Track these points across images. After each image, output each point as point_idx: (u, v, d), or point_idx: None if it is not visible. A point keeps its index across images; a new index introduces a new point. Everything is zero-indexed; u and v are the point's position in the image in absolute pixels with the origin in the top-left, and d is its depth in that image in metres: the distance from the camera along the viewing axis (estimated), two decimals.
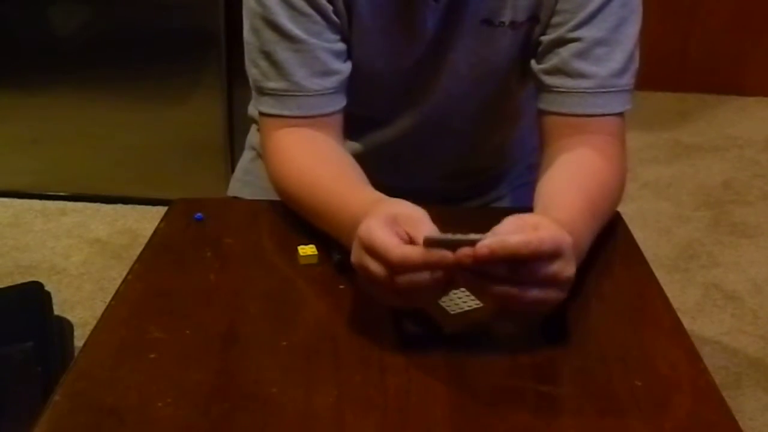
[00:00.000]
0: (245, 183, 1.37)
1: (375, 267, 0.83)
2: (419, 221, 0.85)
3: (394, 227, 0.83)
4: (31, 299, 1.76)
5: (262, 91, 1.11)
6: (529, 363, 0.87)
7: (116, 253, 2.38)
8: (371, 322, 0.91)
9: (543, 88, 1.12)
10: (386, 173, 1.08)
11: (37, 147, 2.62)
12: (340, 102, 1.12)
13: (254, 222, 1.12)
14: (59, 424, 0.78)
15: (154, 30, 2.46)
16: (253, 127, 1.39)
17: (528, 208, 0.96)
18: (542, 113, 1.13)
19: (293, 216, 1.07)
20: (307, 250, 1.00)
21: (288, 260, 1.01)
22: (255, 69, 1.11)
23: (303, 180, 1.06)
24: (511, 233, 0.80)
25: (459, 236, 0.79)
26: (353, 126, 1.16)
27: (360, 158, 1.11)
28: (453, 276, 0.81)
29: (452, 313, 0.91)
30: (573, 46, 1.08)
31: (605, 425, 0.79)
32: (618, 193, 1.08)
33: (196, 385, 0.82)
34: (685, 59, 3.51)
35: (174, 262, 1.02)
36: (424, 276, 0.81)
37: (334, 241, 0.99)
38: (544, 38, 1.11)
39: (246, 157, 1.40)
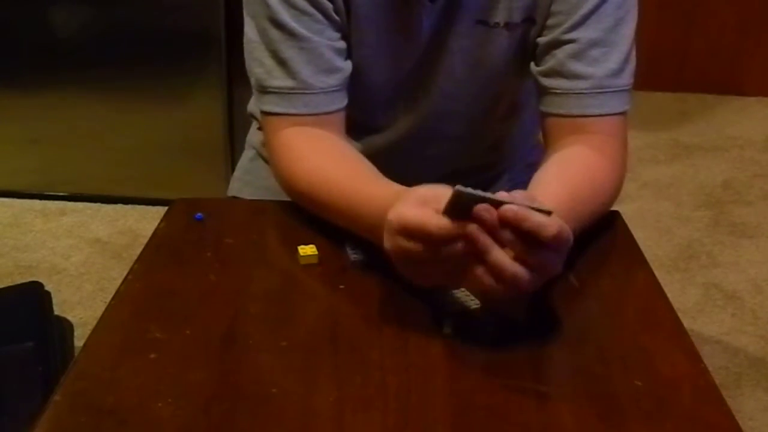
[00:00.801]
0: (245, 183, 1.37)
1: (413, 245, 0.82)
2: (446, 196, 0.84)
3: (424, 207, 0.84)
4: (31, 299, 1.76)
5: (267, 90, 1.11)
6: (529, 363, 0.87)
7: (116, 253, 2.38)
8: (371, 322, 0.91)
9: (542, 91, 1.12)
10: (384, 174, 1.09)
11: (37, 147, 2.62)
12: (342, 100, 1.12)
13: (254, 222, 1.12)
14: (59, 424, 0.78)
15: (154, 30, 2.46)
16: (253, 126, 1.39)
17: None
18: (543, 115, 1.13)
19: (293, 216, 1.07)
20: (307, 250, 1.00)
21: (288, 260, 1.01)
22: (259, 68, 1.10)
23: (317, 179, 1.06)
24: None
25: (488, 194, 0.81)
26: (351, 129, 1.16)
27: None
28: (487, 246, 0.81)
29: (473, 307, 0.91)
30: (569, 48, 1.09)
31: (605, 425, 0.79)
32: (612, 191, 1.09)
33: (196, 385, 0.82)
34: (685, 59, 3.51)
35: (174, 262, 1.02)
36: (460, 246, 0.81)
37: (350, 241, 0.99)
38: (541, 40, 1.12)
39: (246, 156, 1.40)
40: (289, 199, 1.11)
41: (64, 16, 2.48)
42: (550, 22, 1.10)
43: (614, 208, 1.11)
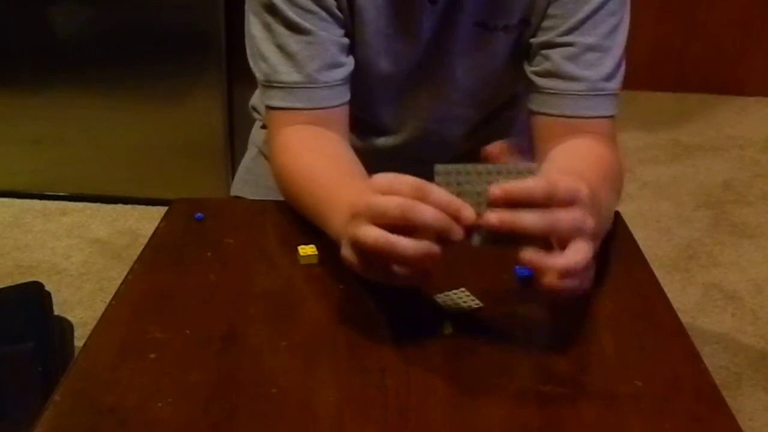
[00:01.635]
0: (246, 182, 1.37)
1: (371, 231, 0.78)
2: (419, 181, 0.80)
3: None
4: (31, 299, 1.76)
5: (272, 85, 1.11)
6: (529, 363, 0.87)
7: (116, 253, 2.38)
8: (371, 322, 0.91)
9: (534, 89, 1.12)
10: None
11: (37, 147, 2.62)
12: (346, 94, 1.12)
13: (254, 222, 1.12)
14: (59, 424, 0.78)
15: (154, 30, 2.46)
16: (256, 125, 1.39)
17: None
18: (533, 114, 1.14)
19: (294, 216, 1.07)
20: (307, 250, 1.00)
21: (288, 260, 1.01)
22: (264, 63, 1.11)
23: (303, 176, 1.06)
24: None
25: (469, 165, 0.78)
26: (355, 129, 1.16)
27: (361, 159, 1.11)
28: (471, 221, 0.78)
29: (473, 307, 0.91)
30: (564, 50, 1.09)
31: (605, 425, 0.79)
32: (621, 180, 1.09)
33: (196, 385, 0.82)
34: (685, 59, 3.51)
35: (174, 262, 1.01)
36: (431, 212, 0.77)
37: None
38: (534, 41, 1.12)
39: (248, 156, 1.40)
40: None
41: (64, 16, 2.48)
42: (545, 24, 1.11)
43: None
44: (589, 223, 0.79)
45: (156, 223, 1.09)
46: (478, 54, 1.16)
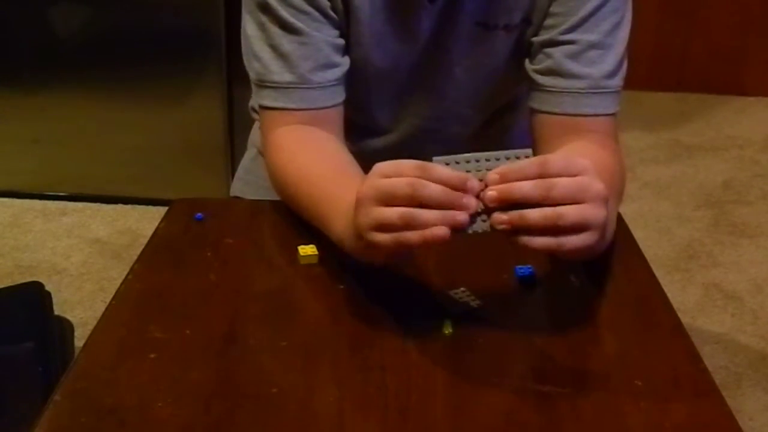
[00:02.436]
0: (246, 182, 1.37)
1: (386, 211, 0.79)
2: (420, 162, 0.81)
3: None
4: (31, 299, 1.76)
5: (265, 84, 1.11)
6: (529, 363, 0.87)
7: (116, 253, 2.38)
8: (371, 321, 0.90)
9: (535, 88, 1.12)
10: None
11: (37, 147, 2.62)
12: (340, 95, 1.12)
13: (254, 222, 1.12)
14: (59, 424, 0.78)
15: (154, 30, 2.46)
16: (256, 125, 1.39)
17: None
18: (534, 112, 1.13)
19: (293, 216, 1.07)
20: (307, 250, 1.00)
21: (288, 260, 1.01)
22: (257, 62, 1.11)
23: (299, 176, 1.06)
24: None
25: (466, 155, 0.80)
26: (349, 131, 1.16)
27: (357, 162, 1.11)
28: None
29: (473, 307, 0.91)
30: (566, 48, 1.09)
31: (605, 425, 0.79)
32: (623, 183, 1.08)
33: (196, 385, 0.82)
34: (685, 59, 3.51)
35: (174, 262, 1.02)
36: (439, 187, 0.78)
37: None
38: (536, 39, 1.12)
39: (247, 156, 1.40)
40: None
41: (64, 16, 2.48)
42: (547, 22, 1.11)
43: None
44: (597, 184, 0.80)
45: (156, 223, 1.09)
46: (477, 53, 1.15)
